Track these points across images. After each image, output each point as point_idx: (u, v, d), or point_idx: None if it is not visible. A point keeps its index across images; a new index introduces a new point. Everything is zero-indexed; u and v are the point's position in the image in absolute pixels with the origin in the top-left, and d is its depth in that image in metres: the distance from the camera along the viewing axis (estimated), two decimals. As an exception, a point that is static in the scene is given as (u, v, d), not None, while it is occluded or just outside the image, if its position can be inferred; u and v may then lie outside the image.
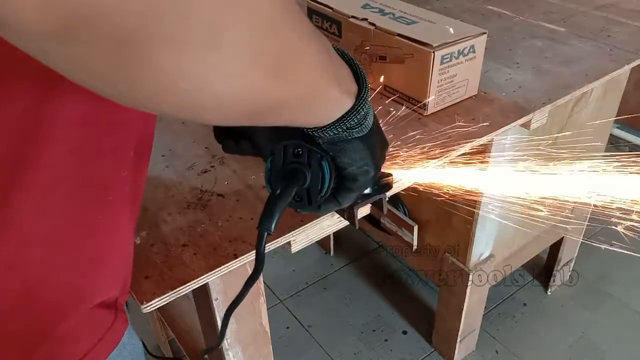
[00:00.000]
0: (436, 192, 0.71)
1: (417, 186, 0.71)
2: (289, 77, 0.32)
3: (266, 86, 0.30)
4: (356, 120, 0.43)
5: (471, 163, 0.78)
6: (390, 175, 0.61)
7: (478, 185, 0.69)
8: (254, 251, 0.64)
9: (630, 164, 0.69)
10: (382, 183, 0.61)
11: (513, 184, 0.72)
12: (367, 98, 0.43)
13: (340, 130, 0.43)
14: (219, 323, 0.77)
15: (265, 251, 0.65)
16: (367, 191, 0.61)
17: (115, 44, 0.24)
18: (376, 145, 0.49)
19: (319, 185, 0.47)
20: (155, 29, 0.24)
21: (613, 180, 0.67)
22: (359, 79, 0.44)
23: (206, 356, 0.59)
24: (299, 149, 0.47)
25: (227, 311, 0.53)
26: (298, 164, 0.47)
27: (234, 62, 0.27)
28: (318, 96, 0.38)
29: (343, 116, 0.42)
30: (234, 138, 0.58)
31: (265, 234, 0.45)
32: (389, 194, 0.67)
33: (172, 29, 0.24)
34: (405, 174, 0.72)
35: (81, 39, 0.23)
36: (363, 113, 0.43)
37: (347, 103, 0.42)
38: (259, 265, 0.46)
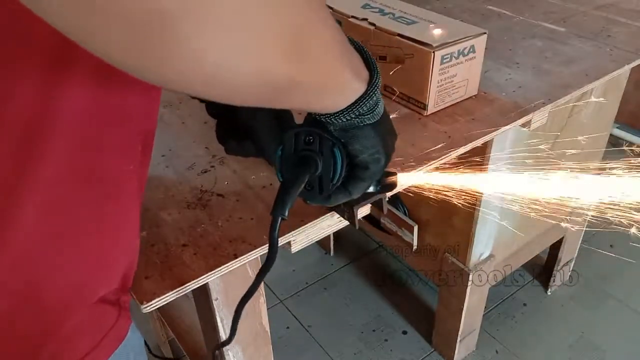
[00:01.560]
0: (436, 193, 0.71)
1: (416, 188, 0.71)
2: (306, 58, 0.32)
3: (284, 65, 0.31)
4: (368, 107, 0.43)
5: (471, 164, 0.78)
6: (394, 173, 0.61)
7: (478, 186, 0.69)
8: (254, 251, 0.64)
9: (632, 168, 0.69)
10: (386, 182, 0.60)
11: (513, 185, 0.72)
12: (378, 84, 0.44)
13: (353, 116, 0.43)
14: (219, 323, 0.77)
15: (266, 251, 0.65)
16: (370, 189, 0.60)
17: (147, 21, 0.24)
18: (387, 134, 0.49)
19: (331, 173, 0.47)
20: (181, 9, 0.24)
21: (614, 183, 0.67)
22: (369, 65, 0.44)
23: (217, 352, 0.59)
24: (311, 137, 0.47)
25: (239, 304, 0.53)
26: (310, 152, 0.47)
27: (256, 40, 0.28)
28: (333, 80, 0.39)
29: (355, 102, 0.43)
30: (237, 139, 0.58)
31: (280, 219, 0.44)
32: (389, 193, 0.67)
33: (201, 8, 0.25)
34: (405, 175, 0.71)
35: (112, 11, 0.24)
36: (375, 99, 0.44)
37: (360, 89, 0.43)
38: (273, 252, 0.46)
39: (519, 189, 0.70)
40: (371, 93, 0.43)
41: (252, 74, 0.30)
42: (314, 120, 0.45)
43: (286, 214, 0.44)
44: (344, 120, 0.44)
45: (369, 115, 0.44)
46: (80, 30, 0.25)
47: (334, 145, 0.46)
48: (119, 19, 0.24)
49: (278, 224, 0.44)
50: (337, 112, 0.43)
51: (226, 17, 0.26)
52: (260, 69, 0.30)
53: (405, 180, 0.70)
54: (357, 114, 0.43)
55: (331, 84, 0.39)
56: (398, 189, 0.68)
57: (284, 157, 0.48)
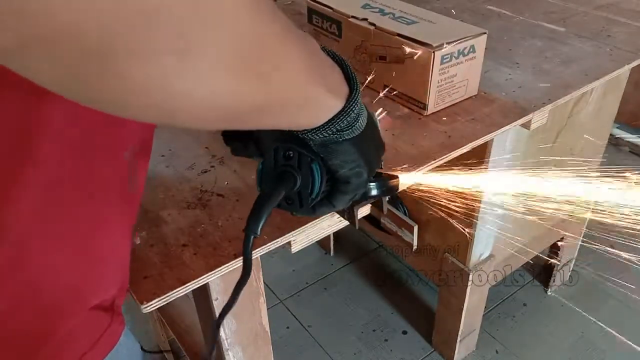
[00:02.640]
0: (435, 195, 0.70)
1: (415, 190, 0.71)
2: (264, 80, 0.31)
3: (239, 91, 0.30)
4: (346, 122, 0.43)
5: (470, 165, 0.77)
6: (396, 177, 0.60)
7: (478, 186, 0.69)
8: (254, 251, 0.64)
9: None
10: (388, 185, 0.60)
11: (513, 186, 0.72)
12: (358, 100, 0.43)
13: (330, 132, 0.43)
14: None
15: (266, 251, 0.65)
16: (374, 193, 0.60)
17: (78, 60, 0.23)
18: (369, 147, 0.48)
19: (309, 189, 0.47)
20: (117, 43, 0.23)
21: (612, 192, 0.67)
22: (350, 80, 0.43)
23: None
24: (290, 152, 0.47)
25: (219, 317, 0.53)
26: (289, 167, 0.46)
27: (201, 69, 0.27)
28: (303, 99, 0.38)
29: (332, 118, 0.42)
30: (242, 141, 0.58)
31: (252, 236, 0.44)
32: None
33: (135, 41, 0.24)
34: (404, 176, 0.71)
35: (40, 56, 0.23)
36: (354, 115, 0.43)
37: (337, 105, 0.42)
38: (247, 269, 0.46)
39: (519, 189, 0.70)
40: (349, 110, 0.42)
41: (203, 99, 0.28)
42: (294, 135, 0.45)
43: (259, 231, 0.44)
44: (321, 136, 0.43)
45: (348, 131, 0.43)
46: (26, 70, 0.24)
47: (313, 161, 0.46)
48: (58, 61, 0.23)
49: (251, 242, 0.44)
50: (314, 129, 0.42)
51: (163, 45, 0.25)
52: (209, 94, 0.28)
53: (406, 180, 0.70)
54: (334, 130, 0.42)
55: (300, 103, 0.38)
56: (400, 188, 0.68)
57: (264, 171, 0.48)
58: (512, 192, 0.72)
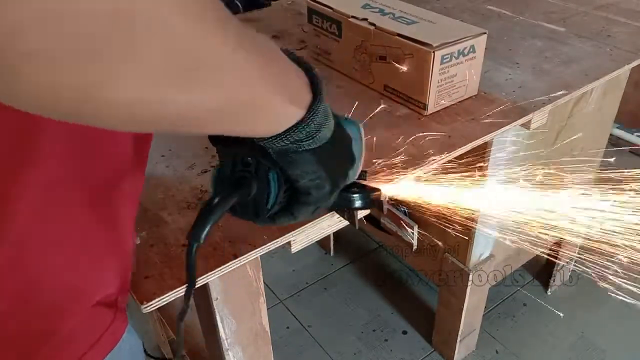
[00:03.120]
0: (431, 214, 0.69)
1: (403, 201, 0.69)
2: (204, 89, 0.30)
3: (170, 100, 0.29)
4: (306, 133, 0.41)
5: (468, 173, 0.76)
6: (378, 190, 0.59)
7: (474, 204, 0.67)
8: (254, 251, 0.64)
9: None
10: (370, 198, 0.59)
11: (511, 201, 0.71)
12: (319, 109, 0.41)
13: (288, 142, 0.41)
14: (219, 323, 0.77)
15: (266, 251, 0.65)
16: (357, 205, 0.59)
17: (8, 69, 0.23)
18: (333, 159, 0.46)
19: (265, 198, 0.45)
20: (21, 47, 0.22)
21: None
22: (315, 89, 0.42)
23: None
24: (249, 158, 0.45)
25: (177, 320, 0.51)
26: (246, 174, 0.44)
27: (128, 77, 0.26)
28: (255, 107, 0.36)
29: (291, 128, 0.40)
30: (223, 143, 0.57)
31: (194, 245, 0.42)
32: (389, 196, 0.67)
33: (40, 43, 0.23)
34: (397, 189, 0.70)
35: None
36: (315, 125, 0.41)
37: (296, 114, 0.40)
38: (191, 277, 0.44)
39: (517, 205, 0.69)
40: (309, 120, 0.40)
41: (128, 106, 0.27)
42: (253, 142, 0.43)
43: (202, 239, 0.42)
44: (280, 145, 0.41)
45: (308, 141, 0.42)
46: None
47: (270, 169, 0.44)
48: None
49: (193, 250, 0.42)
50: (272, 137, 0.40)
51: (75, 48, 0.24)
52: (138, 102, 0.27)
53: (391, 192, 0.69)
54: (293, 139, 0.41)
55: (252, 111, 0.36)
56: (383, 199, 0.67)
57: (219, 177, 0.46)
58: (509, 210, 0.71)
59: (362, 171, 0.58)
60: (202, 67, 0.29)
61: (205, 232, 0.41)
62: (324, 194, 0.46)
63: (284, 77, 0.39)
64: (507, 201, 0.68)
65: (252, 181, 0.44)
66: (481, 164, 0.81)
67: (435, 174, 0.75)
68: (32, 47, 0.22)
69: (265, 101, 0.36)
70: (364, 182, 0.59)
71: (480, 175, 0.68)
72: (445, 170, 0.74)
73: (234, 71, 0.32)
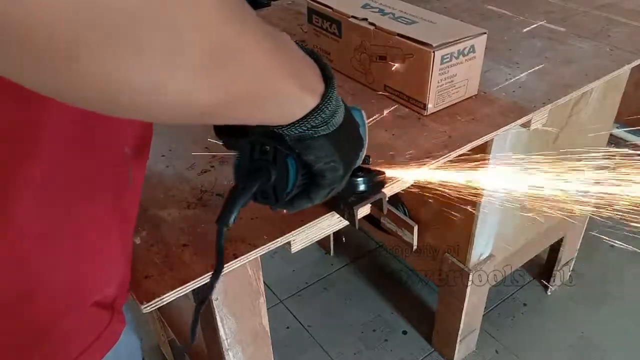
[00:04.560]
0: (435, 192, 0.70)
1: (414, 188, 0.71)
2: (225, 77, 0.31)
3: (198, 87, 0.30)
4: (321, 119, 0.43)
5: (471, 162, 0.78)
6: (382, 173, 0.61)
7: (478, 182, 0.69)
8: (254, 251, 0.64)
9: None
10: (375, 181, 0.61)
11: (513, 182, 0.72)
12: (333, 97, 0.44)
13: (305, 128, 0.43)
14: (219, 323, 0.77)
15: (266, 251, 0.65)
16: (362, 188, 0.61)
17: (38, 57, 0.24)
18: (345, 143, 0.49)
19: (284, 183, 0.47)
20: (86, 41, 0.23)
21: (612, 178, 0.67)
22: (326, 78, 0.44)
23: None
24: (266, 146, 0.47)
25: (196, 308, 0.53)
26: (264, 161, 0.47)
27: (157, 65, 0.27)
28: (274, 96, 0.38)
29: (307, 115, 0.42)
30: (233, 135, 0.58)
31: (224, 228, 0.45)
32: (388, 193, 0.67)
33: (89, 37, 0.24)
34: (404, 174, 0.71)
35: (10, 52, 0.23)
36: (329, 112, 0.44)
37: (312, 102, 0.42)
38: (220, 260, 0.47)
39: (519, 186, 0.70)
40: (323, 106, 0.43)
41: (164, 99, 0.29)
42: (270, 130, 0.45)
43: (230, 222, 0.45)
44: (297, 132, 0.44)
45: (323, 127, 0.44)
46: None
47: (288, 155, 0.46)
48: (26, 54, 0.23)
49: (222, 233, 0.45)
50: (289, 125, 0.43)
51: (117, 41, 0.25)
52: (177, 92, 0.29)
53: (404, 180, 0.70)
54: (309, 126, 0.43)
55: (271, 100, 0.38)
56: (398, 188, 0.68)
57: (240, 165, 0.49)
58: (512, 188, 0.72)
59: (365, 156, 0.59)
60: (227, 55, 0.30)
61: (233, 217, 0.45)
62: (338, 176, 0.49)
63: (300, 68, 0.41)
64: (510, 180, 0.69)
65: (271, 168, 0.46)
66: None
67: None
68: (84, 42, 0.24)
69: (284, 90, 0.38)
70: (368, 167, 0.60)
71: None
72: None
73: (255, 60, 0.33)
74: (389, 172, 0.68)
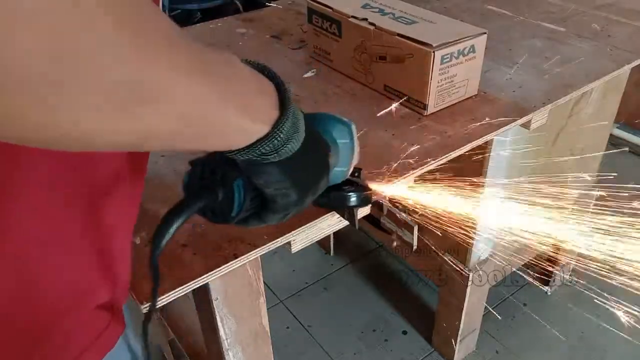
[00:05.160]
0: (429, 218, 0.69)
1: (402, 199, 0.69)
2: (152, 115, 0.30)
3: (120, 127, 0.29)
4: (270, 148, 0.41)
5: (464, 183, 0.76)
6: (369, 190, 0.60)
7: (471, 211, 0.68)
8: (254, 251, 0.64)
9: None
10: (363, 197, 0.60)
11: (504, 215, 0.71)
12: (284, 125, 0.41)
13: (252, 155, 0.41)
14: (219, 323, 0.77)
15: (266, 251, 0.65)
16: (353, 203, 0.60)
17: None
18: (301, 170, 0.46)
19: (230, 205, 0.45)
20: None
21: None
22: (283, 103, 0.41)
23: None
24: (216, 166, 0.45)
25: (143, 323, 0.50)
26: (212, 181, 0.45)
27: (68, 106, 0.26)
28: (211, 128, 0.36)
29: (254, 143, 0.40)
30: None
31: (156, 251, 0.42)
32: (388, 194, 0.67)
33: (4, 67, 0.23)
34: (388, 187, 0.70)
35: None
36: (280, 140, 0.41)
37: (258, 131, 0.40)
38: (156, 275, 0.43)
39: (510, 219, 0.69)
40: (273, 136, 0.40)
41: (84, 133, 0.27)
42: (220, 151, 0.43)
43: (162, 245, 0.41)
44: (244, 157, 0.41)
45: (273, 155, 0.42)
46: None
47: (236, 177, 0.44)
48: None
49: (156, 254, 0.42)
50: (235, 151, 0.40)
51: (40, 86, 0.24)
52: (93, 132, 0.28)
53: (389, 191, 0.69)
54: (257, 153, 0.41)
55: (209, 133, 0.36)
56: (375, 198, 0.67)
57: (189, 183, 0.46)
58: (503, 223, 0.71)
59: (357, 169, 0.59)
60: (152, 95, 0.29)
61: (165, 239, 0.41)
62: (290, 202, 0.46)
63: (244, 96, 0.38)
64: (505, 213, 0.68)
65: (218, 188, 0.44)
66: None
67: (432, 180, 0.74)
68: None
69: (224, 121, 0.36)
70: (357, 180, 0.60)
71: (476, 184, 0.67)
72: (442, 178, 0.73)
73: (187, 95, 0.31)
74: (376, 187, 0.67)
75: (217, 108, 0.35)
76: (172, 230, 0.41)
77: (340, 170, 0.56)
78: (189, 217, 0.42)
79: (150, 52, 0.28)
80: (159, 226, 0.41)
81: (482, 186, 0.80)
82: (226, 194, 0.44)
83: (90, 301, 0.47)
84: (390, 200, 0.65)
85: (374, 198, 0.62)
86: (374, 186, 0.63)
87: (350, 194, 0.59)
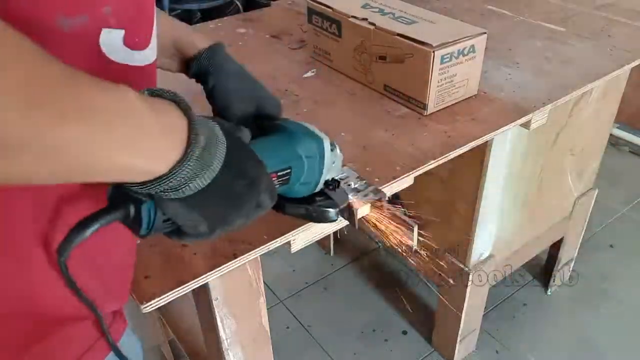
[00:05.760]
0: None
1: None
2: (27, 167, 0.30)
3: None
4: (169, 186, 0.39)
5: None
6: (340, 203, 0.60)
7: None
8: (254, 251, 0.64)
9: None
10: (343, 208, 0.60)
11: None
12: (184, 167, 0.38)
13: (152, 191, 0.39)
14: (219, 323, 0.77)
15: (266, 251, 0.65)
16: (334, 218, 0.60)
17: None
18: (212, 205, 0.43)
19: (138, 225, 0.43)
20: None
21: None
22: (190, 139, 0.39)
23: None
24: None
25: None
26: (126, 197, 0.42)
27: None
28: (97, 172, 0.35)
29: (151, 181, 0.38)
30: None
31: (62, 259, 0.41)
32: (387, 193, 0.67)
33: None
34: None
35: None
36: (179, 180, 0.38)
37: (154, 171, 0.38)
38: (76, 289, 0.43)
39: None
40: (169, 178, 0.38)
41: None
42: None
43: (67, 252, 0.40)
44: (142, 191, 0.39)
45: (174, 192, 0.39)
46: None
47: (143, 202, 0.42)
48: None
49: (62, 263, 0.41)
50: (131, 184, 0.39)
51: None
52: None
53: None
54: (157, 190, 0.39)
55: (97, 175, 0.35)
56: (399, 186, 0.68)
57: (112, 195, 0.44)
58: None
59: (334, 180, 0.58)
60: (15, 147, 0.28)
61: (69, 249, 0.41)
62: (202, 232, 0.44)
63: (135, 139, 0.35)
64: None
65: (130, 205, 0.42)
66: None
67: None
68: None
69: (109, 165, 0.35)
70: (331, 193, 0.59)
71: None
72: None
73: (60, 149, 0.30)
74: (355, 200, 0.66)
75: (99, 153, 0.33)
76: (79, 239, 0.40)
77: (304, 184, 0.55)
78: (100, 228, 0.41)
79: (10, 110, 0.27)
80: (69, 232, 0.40)
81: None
82: (135, 214, 0.42)
83: (104, 309, 0.47)
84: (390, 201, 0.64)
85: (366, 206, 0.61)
86: (355, 198, 0.62)
87: (333, 210, 0.59)
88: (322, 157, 0.55)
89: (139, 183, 0.38)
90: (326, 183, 0.58)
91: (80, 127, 0.31)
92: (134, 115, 0.35)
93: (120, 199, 0.42)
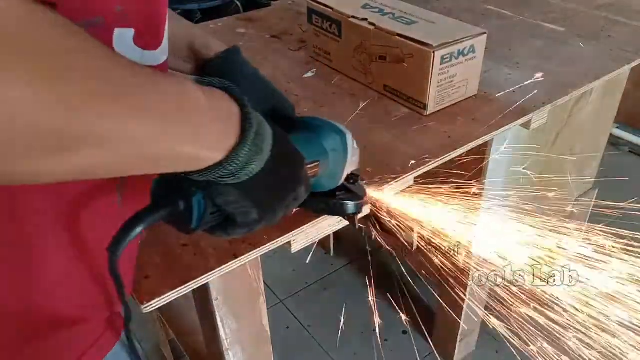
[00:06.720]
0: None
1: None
2: (78, 156, 0.30)
3: (47, 166, 0.29)
4: (226, 172, 0.40)
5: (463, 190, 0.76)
6: (361, 197, 0.61)
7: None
8: (254, 251, 0.64)
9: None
10: (360, 206, 0.61)
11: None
12: (242, 151, 0.40)
13: (209, 178, 0.41)
14: (219, 323, 0.77)
15: (266, 251, 0.65)
16: (351, 211, 0.60)
17: None
18: (263, 190, 0.44)
19: (189, 219, 0.44)
20: None
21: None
22: (244, 127, 0.40)
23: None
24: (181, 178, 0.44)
25: (125, 326, 0.50)
26: (175, 191, 0.44)
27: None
28: (157, 160, 0.36)
29: (209, 168, 0.40)
30: None
31: (113, 257, 0.42)
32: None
33: None
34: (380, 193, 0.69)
35: None
36: (236, 165, 0.40)
37: (212, 158, 0.39)
38: (119, 286, 0.44)
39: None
40: (228, 163, 0.40)
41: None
42: None
43: (118, 252, 0.41)
44: (200, 179, 0.41)
45: (231, 178, 0.41)
46: None
47: (195, 193, 0.43)
48: None
49: (114, 261, 0.42)
50: (189, 172, 0.40)
51: None
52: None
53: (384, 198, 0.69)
54: (214, 176, 0.40)
55: (157, 163, 0.36)
56: (400, 186, 0.67)
57: (156, 190, 0.45)
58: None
59: (354, 175, 0.59)
60: (80, 141, 0.29)
61: (122, 245, 0.41)
62: (252, 220, 0.45)
63: (195, 127, 0.37)
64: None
65: (179, 200, 0.43)
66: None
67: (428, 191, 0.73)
68: None
69: (171, 153, 0.36)
70: (352, 187, 0.60)
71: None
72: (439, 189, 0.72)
73: (121, 138, 0.31)
74: (373, 193, 0.67)
75: (163, 141, 0.34)
76: (131, 236, 0.41)
77: (329, 178, 0.56)
78: (151, 224, 0.42)
79: (75, 101, 0.28)
80: (120, 231, 0.41)
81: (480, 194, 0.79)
82: (187, 206, 0.43)
83: (93, 317, 0.48)
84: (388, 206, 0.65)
85: (366, 205, 0.62)
86: (371, 192, 0.63)
87: (353, 203, 0.60)
88: (345, 151, 0.56)
89: (196, 172, 0.40)
90: (347, 177, 0.59)
91: (141, 121, 0.32)
92: (193, 105, 0.37)
93: (167, 195, 0.43)
